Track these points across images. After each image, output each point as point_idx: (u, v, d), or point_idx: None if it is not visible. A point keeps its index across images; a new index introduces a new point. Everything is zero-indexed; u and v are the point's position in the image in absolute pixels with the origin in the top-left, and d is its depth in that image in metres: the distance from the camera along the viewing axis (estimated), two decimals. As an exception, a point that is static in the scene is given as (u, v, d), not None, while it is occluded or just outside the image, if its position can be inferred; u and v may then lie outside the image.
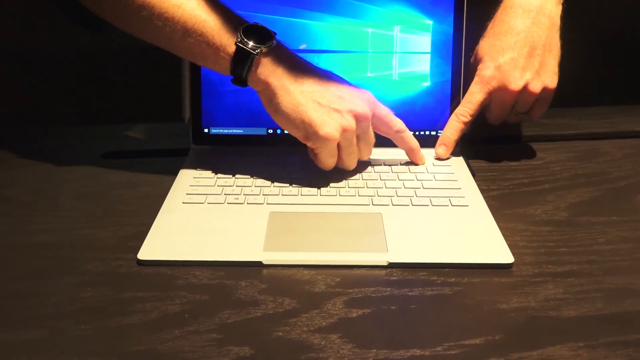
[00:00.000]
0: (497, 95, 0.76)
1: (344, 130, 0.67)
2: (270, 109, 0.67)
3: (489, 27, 0.78)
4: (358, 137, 0.69)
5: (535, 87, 0.75)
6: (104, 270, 0.57)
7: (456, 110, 0.76)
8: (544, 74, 0.75)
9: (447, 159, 0.77)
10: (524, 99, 0.76)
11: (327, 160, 0.69)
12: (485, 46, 0.77)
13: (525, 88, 0.75)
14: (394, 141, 0.74)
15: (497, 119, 0.79)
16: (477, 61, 0.77)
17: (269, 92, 0.66)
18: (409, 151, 0.75)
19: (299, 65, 0.68)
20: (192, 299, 0.53)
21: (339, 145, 0.68)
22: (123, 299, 0.53)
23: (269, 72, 0.66)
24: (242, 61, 0.65)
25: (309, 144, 0.68)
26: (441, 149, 0.76)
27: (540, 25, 0.75)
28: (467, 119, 0.76)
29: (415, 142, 0.74)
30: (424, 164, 0.75)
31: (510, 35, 0.76)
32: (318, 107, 0.66)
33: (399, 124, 0.72)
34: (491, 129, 0.81)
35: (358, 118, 0.67)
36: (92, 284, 0.55)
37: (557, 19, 0.77)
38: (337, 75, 0.70)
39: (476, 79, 0.76)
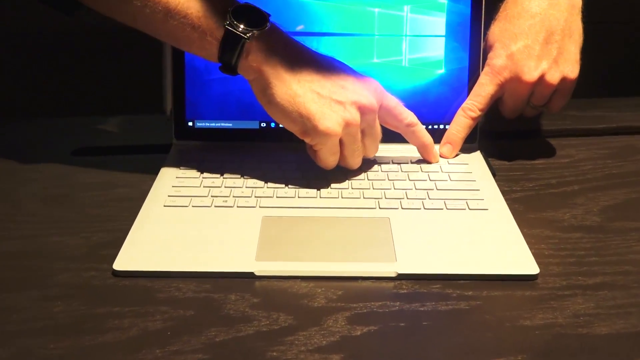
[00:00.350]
0: (510, 87, 0.76)
1: (347, 124, 0.67)
2: (263, 101, 0.68)
3: (501, 9, 0.78)
4: (363, 132, 0.70)
5: (553, 78, 0.75)
6: (75, 283, 0.58)
7: (463, 105, 0.77)
8: (563, 62, 0.75)
9: (457, 155, 0.78)
10: (540, 91, 0.76)
11: (328, 158, 0.69)
12: (496, 31, 0.77)
13: (541, 79, 0.75)
14: (405, 136, 0.74)
15: (511, 112, 0.79)
16: (488, 48, 0.77)
17: (262, 82, 0.67)
18: (421, 147, 0.75)
19: (296, 51, 0.68)
20: (175, 314, 0.54)
21: (341, 142, 0.68)
22: (97, 314, 0.54)
23: (262, 58, 0.66)
24: (232, 46, 0.65)
25: (307, 140, 0.69)
26: (446, 148, 0.77)
27: (558, 7, 0.76)
28: (476, 114, 0.77)
29: (428, 137, 0.75)
30: (438, 162, 0.76)
31: (524, 18, 0.76)
32: (317, 99, 0.66)
33: (409, 116, 0.73)
34: (513, 121, 0.82)
35: (363, 110, 0.68)
36: (62, 298, 0.56)
37: (578, 0, 0.77)
38: (340, 62, 0.71)
39: (486, 68, 0.77)
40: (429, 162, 0.76)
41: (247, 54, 0.66)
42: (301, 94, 0.66)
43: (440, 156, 0.77)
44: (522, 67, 0.75)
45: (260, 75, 0.67)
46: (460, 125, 0.77)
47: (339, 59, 0.71)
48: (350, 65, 0.71)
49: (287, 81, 0.66)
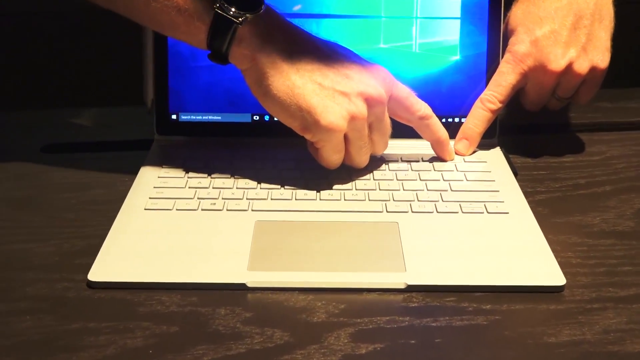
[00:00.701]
0: (534, 76, 0.77)
1: (353, 118, 0.67)
2: (258, 93, 0.68)
3: None
4: (370, 127, 0.70)
5: (581, 67, 0.76)
6: (46, 295, 0.58)
7: (482, 96, 0.77)
8: (592, 50, 0.76)
9: (474, 152, 0.78)
10: (567, 81, 0.77)
11: (332, 156, 0.70)
12: (518, 14, 0.78)
13: (568, 68, 0.76)
14: (417, 130, 0.75)
15: (534, 104, 0.80)
16: (509, 32, 0.78)
17: (257, 72, 0.67)
18: (436, 143, 0.76)
19: (294, 36, 0.69)
20: (158, 330, 0.55)
21: (346, 138, 0.69)
22: (71, 330, 0.54)
23: (257, 45, 0.66)
24: (222, 32, 0.66)
25: (308, 137, 0.69)
26: (462, 144, 0.78)
27: None
28: (496, 106, 0.77)
29: (443, 132, 0.75)
30: (453, 159, 0.77)
31: (550, 0, 0.77)
32: (319, 90, 0.67)
33: (423, 108, 0.73)
34: (537, 114, 0.82)
35: (370, 102, 0.68)
36: (31, 312, 0.56)
37: None
38: (344, 48, 0.71)
39: (507, 56, 0.77)
40: (443, 160, 0.76)
41: (240, 40, 0.66)
42: (301, 85, 0.67)
43: (456, 153, 0.77)
44: (548, 54, 0.75)
45: (254, 65, 0.67)
46: (478, 118, 0.77)
47: (342, 44, 0.71)
48: (355, 51, 0.71)
49: (285, 71, 0.67)
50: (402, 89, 0.72)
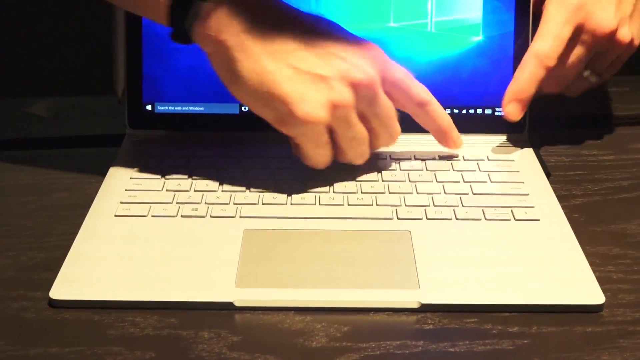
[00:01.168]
0: (578, 35, 0.75)
1: (335, 106, 0.67)
2: (226, 80, 0.68)
3: None
4: (363, 114, 0.69)
5: (625, 36, 0.76)
6: (0, 315, 0.58)
7: (534, 49, 0.74)
8: (634, 23, 0.77)
9: (499, 149, 0.78)
10: (607, 48, 0.77)
11: (314, 153, 0.69)
12: None
13: (613, 33, 0.75)
14: (415, 118, 0.73)
15: (561, 79, 0.78)
16: (545, 6, 0.76)
17: (224, 56, 0.66)
18: (437, 132, 0.74)
19: (268, 10, 0.68)
20: (131, 357, 0.55)
21: (332, 130, 0.68)
22: (30, 356, 0.55)
23: (223, 24, 0.66)
24: (184, 7, 0.65)
25: (283, 131, 0.68)
26: (512, 106, 0.75)
27: None
28: (552, 62, 0.74)
29: (445, 118, 0.74)
30: (459, 147, 0.76)
31: None
32: (295, 75, 0.66)
33: (421, 92, 0.72)
34: (572, 105, 0.82)
35: (356, 86, 0.67)
36: (-16, 336, 0.57)
37: None
38: (329, 22, 0.70)
39: (552, 5, 0.75)
40: (453, 154, 0.76)
41: (204, 18, 0.65)
42: (273, 70, 0.66)
43: (505, 117, 0.75)
44: (601, 11, 0.75)
45: (220, 47, 0.66)
46: (531, 77, 0.74)
47: (343, 23, 0.71)
48: (360, 31, 0.72)
49: (255, 53, 0.66)
50: (398, 69, 0.71)
